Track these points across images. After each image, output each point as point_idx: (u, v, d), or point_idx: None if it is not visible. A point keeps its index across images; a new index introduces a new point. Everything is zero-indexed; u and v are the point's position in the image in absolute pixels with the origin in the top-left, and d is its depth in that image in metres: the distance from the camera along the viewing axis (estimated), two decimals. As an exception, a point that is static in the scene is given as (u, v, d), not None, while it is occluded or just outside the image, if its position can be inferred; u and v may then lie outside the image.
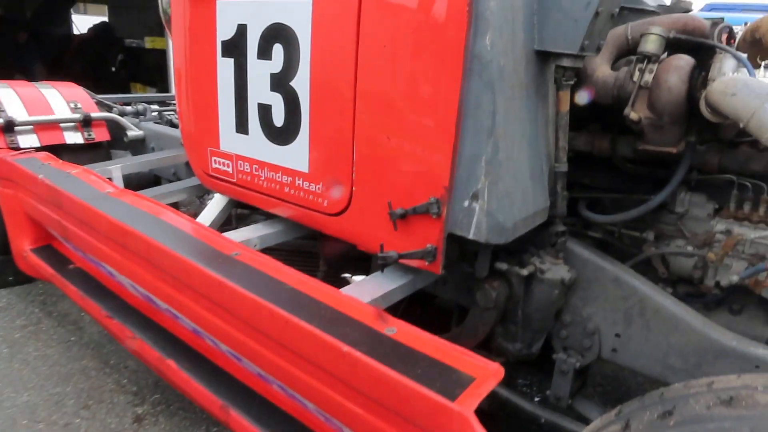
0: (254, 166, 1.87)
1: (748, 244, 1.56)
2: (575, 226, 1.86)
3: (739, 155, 1.58)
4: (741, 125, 1.29)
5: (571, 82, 1.47)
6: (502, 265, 1.59)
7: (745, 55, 1.48)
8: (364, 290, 1.56)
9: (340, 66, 1.52)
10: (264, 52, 1.71)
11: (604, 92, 1.60)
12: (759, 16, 1.67)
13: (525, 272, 1.56)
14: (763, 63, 1.47)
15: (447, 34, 1.30)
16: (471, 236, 1.38)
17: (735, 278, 1.54)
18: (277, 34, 1.66)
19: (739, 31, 1.89)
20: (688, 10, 1.90)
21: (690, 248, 1.64)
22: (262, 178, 1.86)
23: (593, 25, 1.31)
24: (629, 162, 1.72)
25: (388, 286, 1.60)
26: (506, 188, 1.36)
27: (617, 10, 1.42)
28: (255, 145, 1.83)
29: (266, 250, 1.87)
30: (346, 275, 1.83)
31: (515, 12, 1.33)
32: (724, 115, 1.37)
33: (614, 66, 1.65)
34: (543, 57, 1.44)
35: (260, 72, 1.73)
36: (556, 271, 1.57)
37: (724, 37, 1.80)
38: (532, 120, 1.45)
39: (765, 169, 1.55)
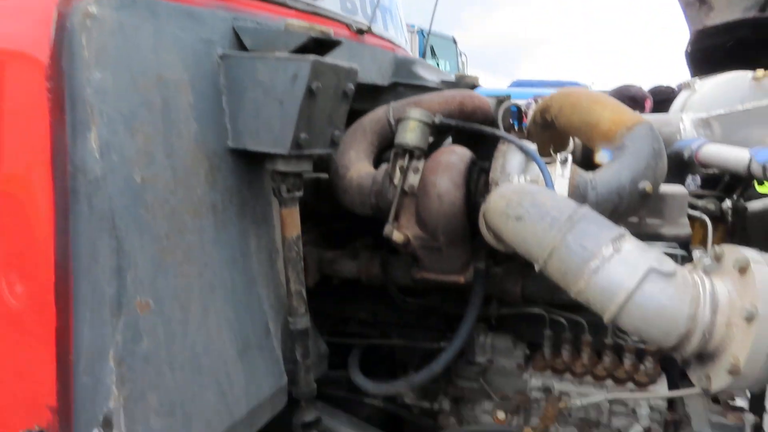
0: None
1: (574, 409, 1.14)
2: (349, 390, 1.26)
3: (548, 280, 1.05)
4: (536, 267, 0.86)
5: (298, 194, 0.96)
6: None
7: (534, 146, 1.07)
8: None
9: None
10: None
11: (360, 200, 1.10)
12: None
13: None
14: (558, 155, 1.02)
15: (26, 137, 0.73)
16: None
17: None
18: None
19: (529, 108, 1.46)
20: (474, 86, 1.46)
21: (501, 415, 1.19)
22: None
23: (309, 108, 0.88)
24: (408, 293, 1.23)
25: None
26: (168, 397, 0.80)
27: (352, 86, 0.97)
28: None
29: None
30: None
31: (168, 88, 0.82)
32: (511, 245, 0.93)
33: (380, 161, 1.18)
34: (249, 159, 0.94)
35: None
36: None
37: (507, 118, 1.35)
38: (234, 261, 0.92)
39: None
